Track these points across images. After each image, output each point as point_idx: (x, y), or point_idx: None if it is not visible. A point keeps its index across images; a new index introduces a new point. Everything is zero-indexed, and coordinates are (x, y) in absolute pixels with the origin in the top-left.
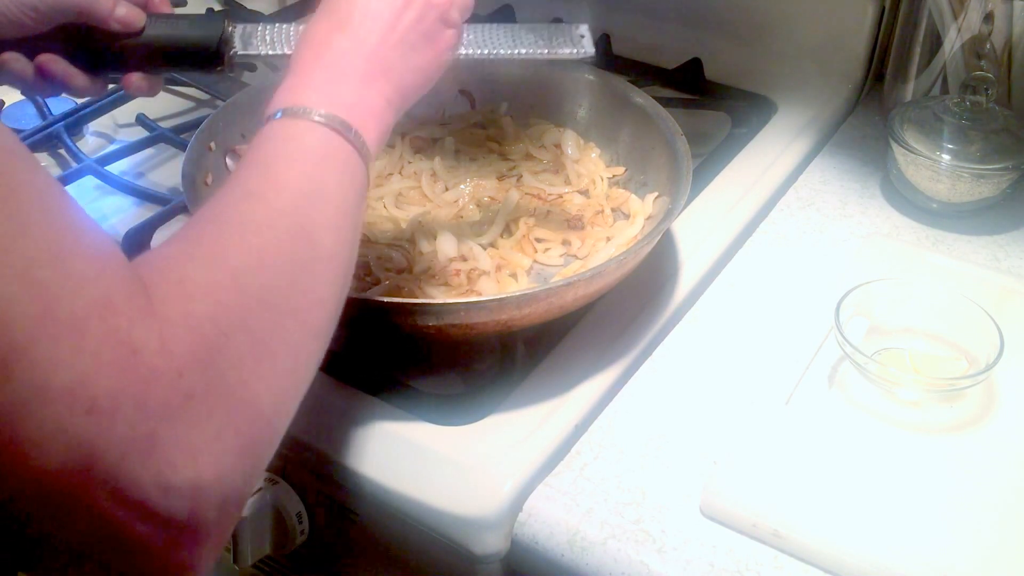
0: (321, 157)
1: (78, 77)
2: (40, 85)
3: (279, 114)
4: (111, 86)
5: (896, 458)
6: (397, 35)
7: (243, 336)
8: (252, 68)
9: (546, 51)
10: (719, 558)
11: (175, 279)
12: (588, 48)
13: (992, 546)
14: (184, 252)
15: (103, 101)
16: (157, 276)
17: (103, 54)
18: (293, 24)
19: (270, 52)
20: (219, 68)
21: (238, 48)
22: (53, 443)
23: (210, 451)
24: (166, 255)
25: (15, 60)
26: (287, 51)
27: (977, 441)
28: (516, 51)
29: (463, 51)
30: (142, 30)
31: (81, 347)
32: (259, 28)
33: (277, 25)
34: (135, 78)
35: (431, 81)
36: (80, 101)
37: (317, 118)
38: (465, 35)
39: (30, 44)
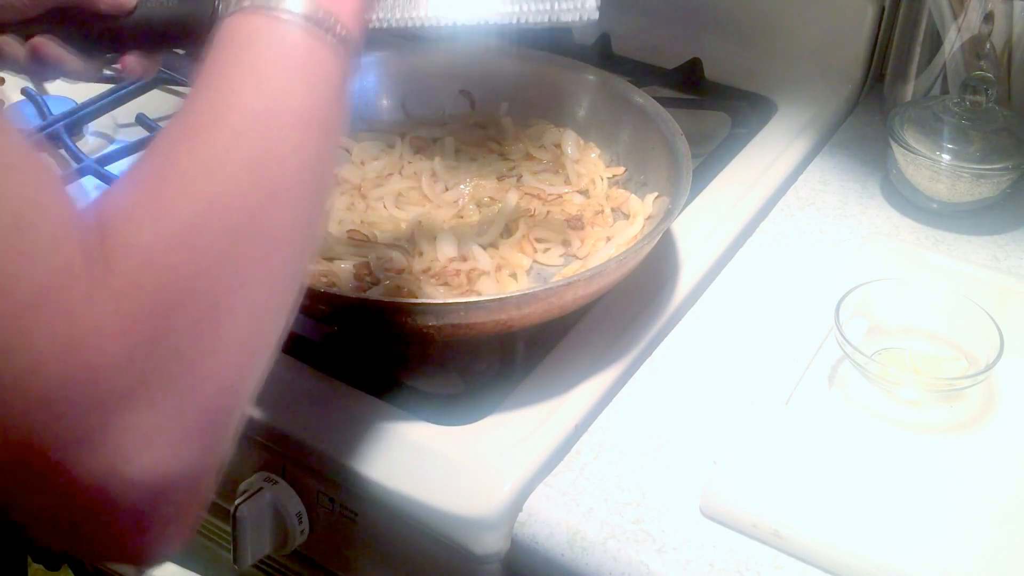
0: (284, 61)
1: (72, 60)
2: (34, 69)
3: (235, 5)
4: (111, 85)
5: (896, 458)
6: None
7: (198, 302)
8: None
9: (548, 17)
10: (719, 558)
11: (124, 243)
12: (592, 10)
13: (992, 546)
14: (135, 204)
15: (103, 101)
16: (110, 236)
17: (96, 36)
18: None
19: None
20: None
21: None
22: (7, 436)
23: (168, 433)
24: (116, 208)
25: (8, 44)
26: None
27: (977, 441)
28: (517, 17)
29: (461, 20)
30: (133, 9)
31: (32, 333)
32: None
33: None
34: (130, 59)
35: None
36: (80, 101)
37: (283, 15)
38: (460, 5)
39: (23, 27)
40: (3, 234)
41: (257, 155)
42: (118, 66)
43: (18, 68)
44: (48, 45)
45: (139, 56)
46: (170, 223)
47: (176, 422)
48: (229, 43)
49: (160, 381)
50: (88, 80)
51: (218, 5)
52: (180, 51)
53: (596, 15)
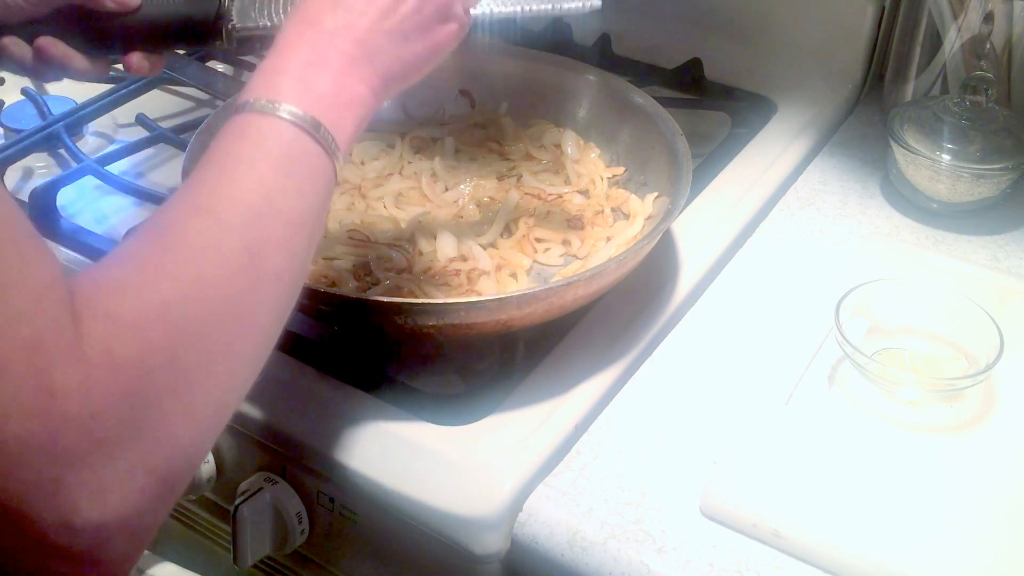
0: (284, 162)
1: (78, 59)
2: (40, 69)
3: (247, 107)
4: (111, 85)
5: (896, 458)
6: (391, 22)
7: (168, 375)
8: (245, 50)
9: (551, 6)
10: (719, 558)
11: (104, 313)
12: (595, 1)
13: (992, 546)
14: (119, 279)
15: (103, 101)
16: (87, 307)
17: (101, 35)
18: None
19: (268, 23)
20: (218, 43)
21: (235, 21)
22: None
23: (117, 491)
24: (101, 280)
25: (14, 44)
26: (283, 22)
27: (977, 441)
28: (521, 8)
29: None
30: (138, 8)
31: (1, 390)
32: (255, 1)
33: None
34: (135, 58)
35: (422, 74)
36: (80, 101)
37: (286, 115)
38: None
39: (28, 28)
40: None
41: (244, 246)
42: (122, 65)
43: (24, 69)
44: (55, 45)
45: (143, 55)
46: (150, 299)
47: (128, 480)
48: (233, 136)
49: (118, 444)
50: (93, 79)
51: (223, 4)
52: (184, 50)
53: (599, 4)
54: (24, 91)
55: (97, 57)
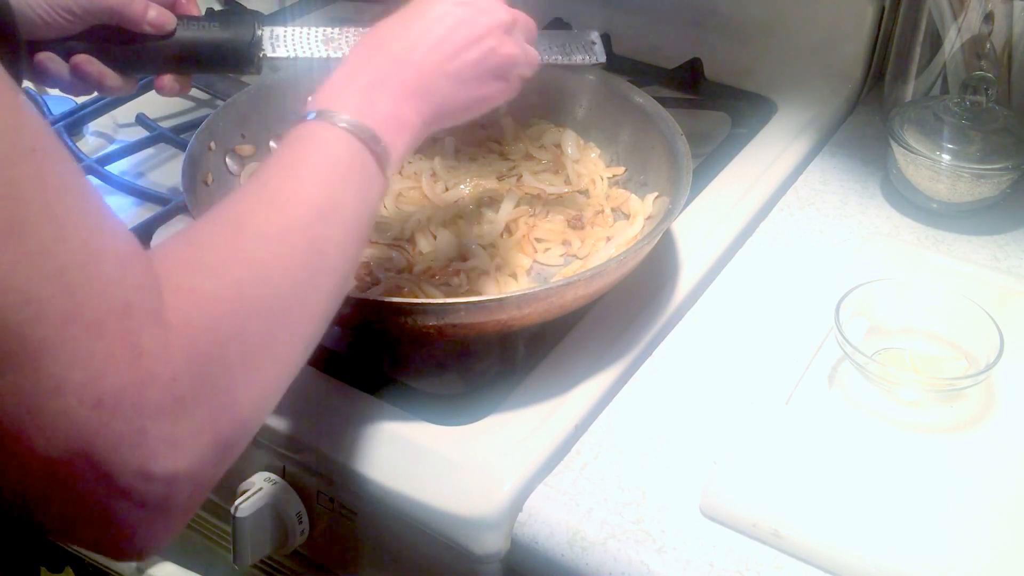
0: (345, 169)
1: (111, 77)
2: (75, 85)
3: (313, 115)
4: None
5: (896, 458)
6: (453, 66)
7: (237, 346)
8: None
9: (560, 58)
10: (719, 558)
11: (184, 286)
12: (600, 55)
13: (992, 546)
14: (197, 258)
15: (103, 101)
16: (168, 280)
17: (136, 55)
18: (321, 28)
19: (299, 55)
20: (248, 70)
21: (267, 51)
22: (59, 432)
23: (188, 446)
24: (179, 257)
25: (51, 60)
26: (315, 54)
27: (977, 441)
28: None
29: None
30: (173, 32)
31: (95, 349)
32: (288, 31)
33: (304, 28)
34: (167, 80)
35: (466, 118)
36: (80, 101)
37: (348, 126)
38: None
39: (65, 45)
40: (75, 261)
41: (308, 242)
42: (154, 84)
43: (59, 84)
44: (91, 62)
45: (174, 77)
46: (226, 278)
47: (198, 437)
48: (301, 141)
49: (193, 403)
50: (125, 95)
51: (256, 32)
52: (214, 74)
53: (604, 58)
54: (24, 91)
55: (129, 76)
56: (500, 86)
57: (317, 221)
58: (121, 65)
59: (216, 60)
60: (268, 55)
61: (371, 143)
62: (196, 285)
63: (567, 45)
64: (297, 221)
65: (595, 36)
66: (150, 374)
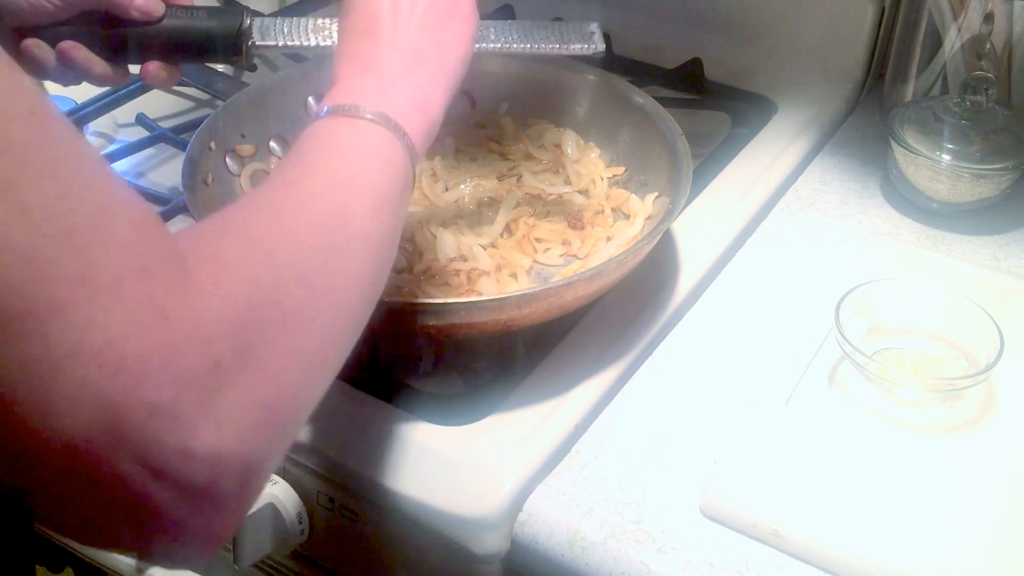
0: (360, 148)
1: (98, 65)
2: (61, 72)
3: (326, 111)
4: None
5: (896, 458)
6: (417, 21)
7: (273, 311)
8: (254, 69)
9: (558, 46)
10: (719, 558)
11: (210, 253)
12: (599, 45)
13: (992, 546)
14: (219, 230)
15: (103, 101)
16: (192, 249)
17: (123, 42)
18: (310, 17)
19: (288, 43)
20: (236, 59)
21: (256, 39)
22: (81, 403)
23: (233, 421)
24: (201, 232)
25: (36, 47)
26: (304, 43)
27: (977, 441)
28: (529, 46)
29: (480, 44)
30: (161, 19)
31: (115, 310)
32: (276, 20)
33: (294, 18)
34: (153, 67)
35: (466, 59)
36: (80, 101)
37: (364, 114)
38: (481, 31)
39: (51, 31)
40: (83, 223)
41: (330, 207)
42: (140, 72)
43: (45, 71)
44: (77, 49)
45: (161, 65)
46: (255, 244)
47: (242, 411)
48: (312, 134)
49: (231, 370)
50: (112, 84)
51: (245, 22)
52: (202, 63)
53: (603, 48)
54: None
55: (116, 64)
56: (466, 8)
57: (336, 187)
58: (108, 52)
59: (205, 48)
60: (257, 43)
61: (388, 126)
62: (221, 251)
63: (565, 35)
64: (315, 191)
65: (594, 27)
66: (181, 335)
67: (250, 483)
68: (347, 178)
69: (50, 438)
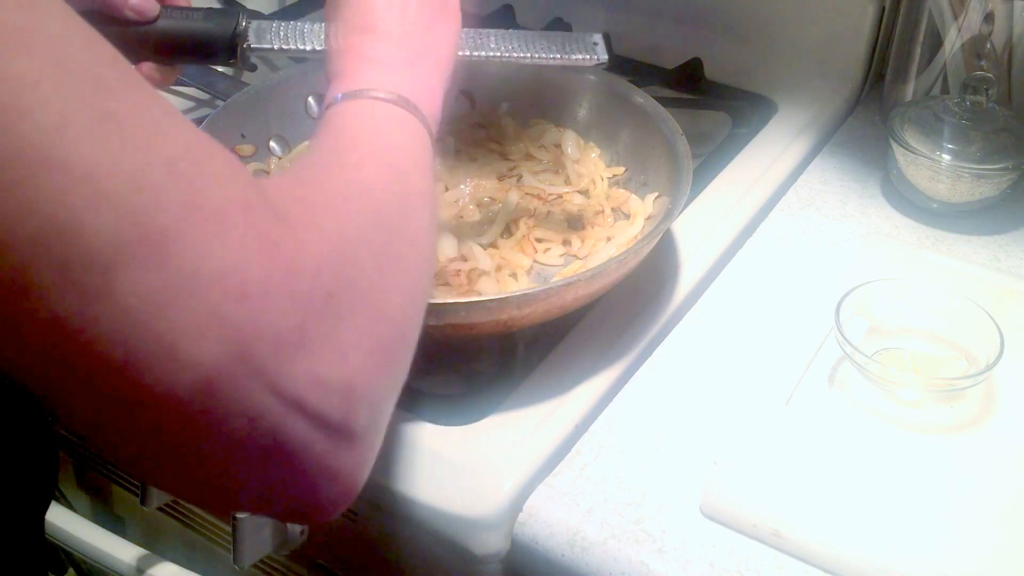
0: (387, 120)
1: None
2: None
3: (340, 97)
4: None
5: (896, 458)
6: (411, 18)
7: (365, 248)
8: (254, 69)
9: (560, 56)
10: (719, 558)
11: (295, 198)
12: (602, 54)
13: (992, 546)
14: (294, 182)
15: None
16: (277, 194)
17: (116, 42)
18: (307, 21)
19: (283, 47)
20: (232, 61)
21: (252, 41)
22: (208, 332)
23: (356, 351)
24: (277, 182)
25: None
26: (300, 46)
27: (977, 441)
28: (531, 55)
29: (480, 53)
30: (156, 19)
31: (227, 237)
32: (273, 24)
33: (291, 22)
34: (147, 68)
35: (455, 55)
36: None
37: (380, 95)
38: (482, 40)
39: None
40: (182, 155)
41: (388, 166)
42: None
43: None
44: None
45: (156, 66)
46: (332, 191)
47: (361, 342)
48: (341, 114)
49: (343, 299)
50: None
51: (240, 24)
52: (197, 64)
53: (606, 58)
54: None
55: None
56: (449, 20)
57: (385, 151)
58: None
59: (200, 50)
60: (253, 45)
61: (406, 106)
62: (306, 195)
63: (568, 45)
64: (367, 153)
65: (597, 37)
66: (294, 263)
67: (378, 420)
68: (388, 144)
69: (177, 378)
